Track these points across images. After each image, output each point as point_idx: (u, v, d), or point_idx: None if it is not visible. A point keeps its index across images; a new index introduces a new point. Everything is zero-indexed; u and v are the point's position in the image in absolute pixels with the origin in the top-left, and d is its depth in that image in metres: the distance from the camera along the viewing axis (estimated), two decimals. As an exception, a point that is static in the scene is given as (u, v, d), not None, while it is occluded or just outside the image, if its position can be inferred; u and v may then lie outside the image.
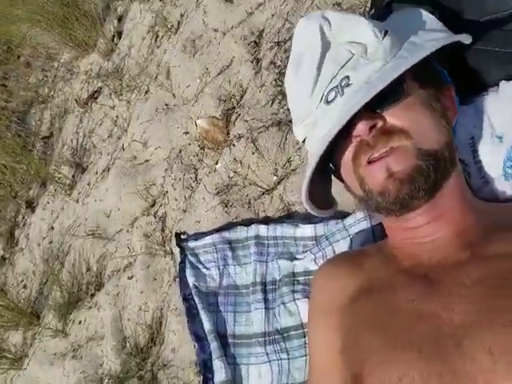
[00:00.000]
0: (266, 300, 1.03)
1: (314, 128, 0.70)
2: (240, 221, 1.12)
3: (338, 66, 0.66)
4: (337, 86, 0.65)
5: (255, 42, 1.26)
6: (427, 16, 0.73)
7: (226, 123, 1.18)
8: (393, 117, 0.64)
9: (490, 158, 0.74)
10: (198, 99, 1.34)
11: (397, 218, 0.68)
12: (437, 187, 0.64)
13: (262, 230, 1.07)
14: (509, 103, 0.73)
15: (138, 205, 1.39)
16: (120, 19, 1.81)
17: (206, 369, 1.04)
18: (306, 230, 1.00)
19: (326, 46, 0.69)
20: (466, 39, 0.67)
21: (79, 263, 1.50)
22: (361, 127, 0.63)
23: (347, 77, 0.65)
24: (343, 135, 0.65)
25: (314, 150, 0.69)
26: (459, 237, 0.65)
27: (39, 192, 1.83)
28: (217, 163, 1.19)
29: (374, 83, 0.62)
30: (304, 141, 0.75)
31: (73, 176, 1.70)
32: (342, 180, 0.76)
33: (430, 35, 0.69)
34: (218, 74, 1.32)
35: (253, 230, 1.08)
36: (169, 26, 1.54)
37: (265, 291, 1.04)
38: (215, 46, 1.38)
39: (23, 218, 1.86)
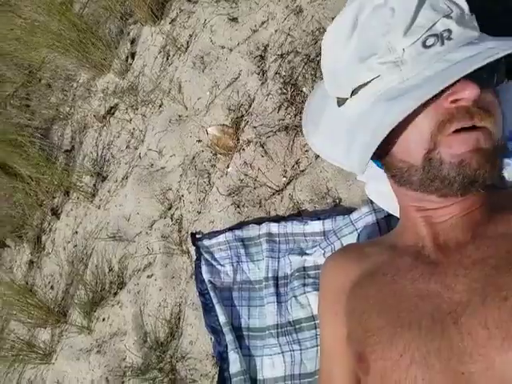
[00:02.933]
0: (278, 294, 0.99)
1: (400, 67, 0.57)
2: (252, 220, 1.08)
3: (439, 14, 0.56)
4: (439, 34, 0.56)
5: (260, 55, 1.22)
6: None
7: (235, 130, 1.14)
8: (490, 97, 0.57)
9: None
10: (209, 110, 1.30)
11: (421, 198, 0.61)
12: (491, 174, 0.57)
13: (273, 227, 1.03)
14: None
15: (155, 208, 1.34)
16: (133, 41, 1.77)
17: (221, 360, 0.99)
18: (315, 226, 0.96)
19: None
20: None
21: (102, 264, 1.46)
22: (471, 92, 0.52)
23: (449, 30, 0.56)
24: (433, 97, 0.53)
25: (403, 93, 0.55)
26: (465, 219, 0.61)
27: (63, 200, 1.78)
28: (228, 167, 1.15)
29: (489, 47, 0.53)
30: (365, 84, 0.61)
31: (94, 184, 1.65)
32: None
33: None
34: (227, 87, 1.28)
35: (264, 227, 1.04)
36: (179, 46, 1.51)
37: (277, 285, 1.00)
38: (223, 61, 1.34)
39: (49, 224, 1.81)
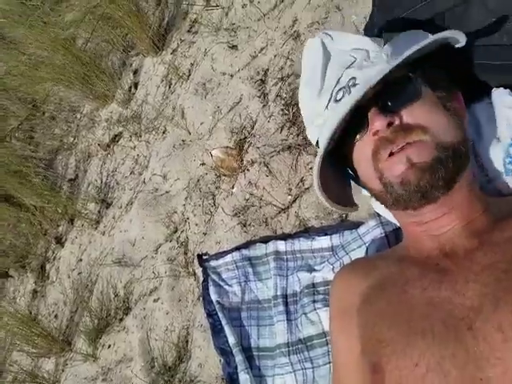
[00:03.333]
0: (287, 312, 0.97)
1: (324, 127, 0.67)
2: (258, 238, 1.07)
3: (342, 68, 0.65)
4: (344, 87, 0.64)
5: (261, 80, 1.25)
6: (422, 33, 0.70)
7: (239, 151, 1.15)
8: (410, 115, 0.61)
9: (491, 157, 0.71)
10: (212, 133, 1.31)
11: (412, 213, 0.64)
12: (454, 179, 0.60)
13: (280, 245, 1.01)
14: (500, 109, 0.71)
15: (160, 232, 1.33)
16: (135, 72, 1.80)
17: (231, 381, 0.96)
18: (322, 242, 0.95)
19: (327, 54, 0.68)
20: (459, 36, 0.63)
21: (107, 290, 1.43)
22: (379, 123, 0.59)
23: (354, 78, 0.63)
24: (362, 133, 0.63)
25: (323, 142, 0.65)
26: (468, 227, 0.62)
27: (67, 228, 1.77)
28: (233, 187, 1.15)
29: (375, 76, 0.59)
30: (317, 143, 0.73)
31: (98, 211, 1.64)
32: (358, 180, 0.73)
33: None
34: (229, 111, 1.30)
35: (271, 246, 1.03)
36: (180, 74, 1.54)
37: (286, 304, 0.98)
38: (224, 86, 1.36)
39: (53, 252, 1.79)
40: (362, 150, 0.64)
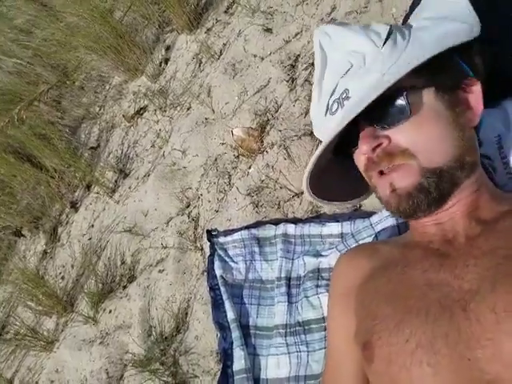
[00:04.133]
0: (289, 294, 0.97)
1: (323, 137, 0.67)
2: (269, 220, 1.07)
3: (338, 76, 0.63)
4: (338, 98, 0.63)
5: (291, 64, 1.25)
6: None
7: (260, 133, 1.16)
8: (398, 135, 0.59)
9: None
10: (236, 114, 1.32)
11: None
12: (442, 199, 0.60)
13: (290, 228, 1.02)
14: None
15: (173, 205, 1.35)
16: (168, 48, 1.83)
17: (226, 356, 0.97)
18: (333, 228, 0.95)
19: (325, 57, 0.67)
20: (473, 32, 0.59)
21: (115, 257, 1.46)
22: (364, 148, 0.59)
23: (347, 89, 0.62)
24: (356, 146, 0.63)
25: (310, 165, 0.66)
26: (473, 215, 0.62)
27: (83, 194, 1.80)
28: (250, 168, 1.16)
29: (365, 99, 0.57)
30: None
31: (115, 180, 1.67)
32: None
33: (445, 27, 0.61)
34: (256, 93, 1.31)
35: (281, 228, 1.03)
36: (212, 53, 1.55)
37: (289, 286, 0.98)
38: (254, 69, 1.37)
39: (67, 216, 1.82)
40: (358, 160, 0.65)
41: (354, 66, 0.62)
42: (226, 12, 1.64)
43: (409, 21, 0.68)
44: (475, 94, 0.63)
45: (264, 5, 1.45)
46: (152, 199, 1.43)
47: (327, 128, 0.64)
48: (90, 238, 1.64)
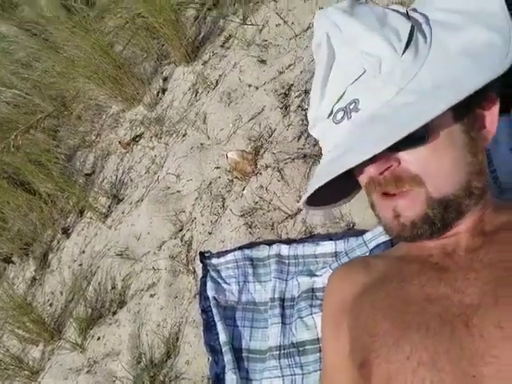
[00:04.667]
0: (283, 315, 0.97)
1: (323, 141, 0.61)
2: (262, 241, 1.08)
3: (347, 81, 0.54)
4: (345, 107, 0.55)
5: (285, 93, 1.30)
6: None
7: (254, 156, 1.18)
8: (409, 160, 0.53)
9: (505, 167, 0.72)
10: (230, 140, 1.35)
11: None
12: (445, 228, 0.57)
13: (284, 249, 1.02)
14: None
15: (167, 229, 1.35)
16: (165, 79, 1.88)
17: (218, 381, 0.95)
18: (326, 247, 0.95)
19: (331, 55, 0.56)
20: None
21: (105, 281, 1.44)
22: (371, 170, 0.54)
23: (356, 99, 0.54)
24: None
25: (312, 181, 0.59)
26: (474, 228, 0.59)
27: (76, 220, 1.80)
28: (244, 189, 1.18)
29: (383, 136, 0.49)
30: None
31: (109, 206, 1.68)
32: None
33: (475, 34, 0.51)
34: (250, 119, 1.34)
35: (274, 249, 1.03)
36: (208, 83, 1.60)
37: (283, 307, 0.98)
38: (248, 97, 1.41)
39: (58, 242, 1.81)
40: (358, 174, 0.60)
41: (367, 72, 0.53)
42: (222, 46, 1.70)
43: (421, 5, 0.58)
44: (492, 113, 0.57)
45: (259, 38, 1.52)
46: (145, 223, 1.43)
47: (328, 136, 0.58)
48: (80, 264, 1.63)
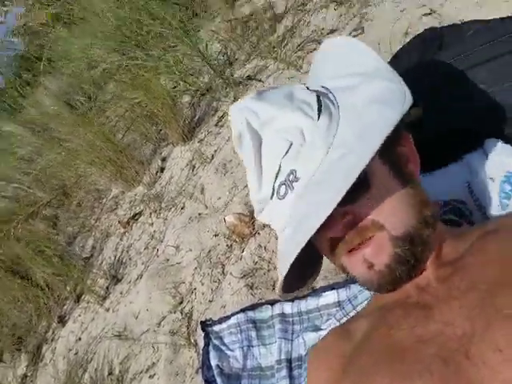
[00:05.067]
0: (291, 377, 0.89)
1: (274, 222, 0.60)
2: (265, 301, 1.04)
3: (278, 157, 0.55)
4: (285, 181, 0.56)
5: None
6: (366, 50, 0.61)
7: (251, 218, 1.19)
8: (363, 210, 0.55)
9: (487, 194, 0.73)
10: (228, 206, 1.37)
11: None
12: (419, 264, 0.57)
13: (287, 307, 0.98)
14: (492, 156, 0.74)
15: (166, 303, 1.31)
16: (164, 159, 1.96)
17: None
18: (329, 298, 0.91)
19: (257, 139, 0.58)
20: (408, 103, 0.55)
21: (102, 367, 1.36)
22: (335, 230, 0.54)
23: (294, 170, 0.55)
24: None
25: (282, 255, 0.56)
26: (439, 258, 0.59)
27: (72, 306, 1.75)
28: (243, 251, 1.16)
29: (325, 200, 0.51)
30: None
31: (107, 287, 1.64)
32: None
33: (372, 87, 0.58)
34: (246, 186, 1.37)
35: (277, 308, 0.99)
36: (204, 158, 1.66)
37: (290, 368, 0.91)
38: (243, 166, 1.46)
39: (53, 332, 1.74)
40: (319, 242, 0.58)
41: (294, 144, 0.55)
42: (216, 125, 1.81)
43: (312, 82, 0.64)
44: (411, 147, 0.61)
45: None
46: (144, 299, 1.39)
47: (278, 213, 0.58)
48: (76, 353, 1.55)
